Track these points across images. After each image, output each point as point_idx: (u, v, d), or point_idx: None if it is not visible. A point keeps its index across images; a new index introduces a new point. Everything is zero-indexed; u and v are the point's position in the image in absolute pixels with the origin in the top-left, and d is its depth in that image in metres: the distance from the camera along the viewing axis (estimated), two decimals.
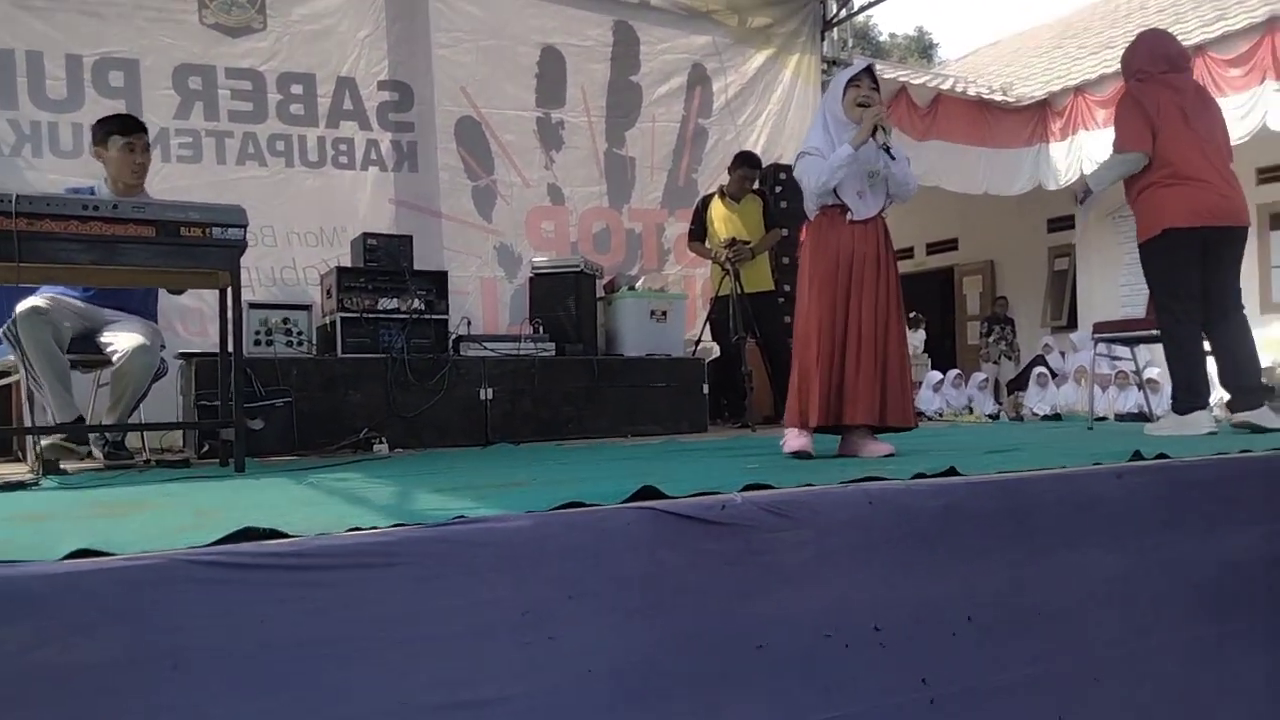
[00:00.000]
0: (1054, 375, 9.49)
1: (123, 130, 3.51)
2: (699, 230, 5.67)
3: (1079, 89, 8.51)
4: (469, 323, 4.83)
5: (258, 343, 4.19)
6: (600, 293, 5.40)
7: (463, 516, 1.59)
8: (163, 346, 3.56)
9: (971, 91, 8.95)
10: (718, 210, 5.58)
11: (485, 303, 5.76)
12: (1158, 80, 3.65)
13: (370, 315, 4.31)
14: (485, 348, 4.58)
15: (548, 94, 5.98)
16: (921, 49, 27.51)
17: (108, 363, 3.41)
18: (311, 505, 2.00)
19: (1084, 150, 8.43)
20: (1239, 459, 2.57)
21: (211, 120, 5.11)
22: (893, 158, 2.93)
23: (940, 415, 8.57)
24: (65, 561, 1.31)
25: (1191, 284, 3.60)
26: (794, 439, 2.97)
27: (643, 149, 6.29)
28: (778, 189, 6.11)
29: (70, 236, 2.74)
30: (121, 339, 3.36)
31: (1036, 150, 8.82)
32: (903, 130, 8.05)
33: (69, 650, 1.24)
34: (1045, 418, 8.60)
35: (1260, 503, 2.49)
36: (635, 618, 1.64)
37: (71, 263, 2.80)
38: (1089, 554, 2.18)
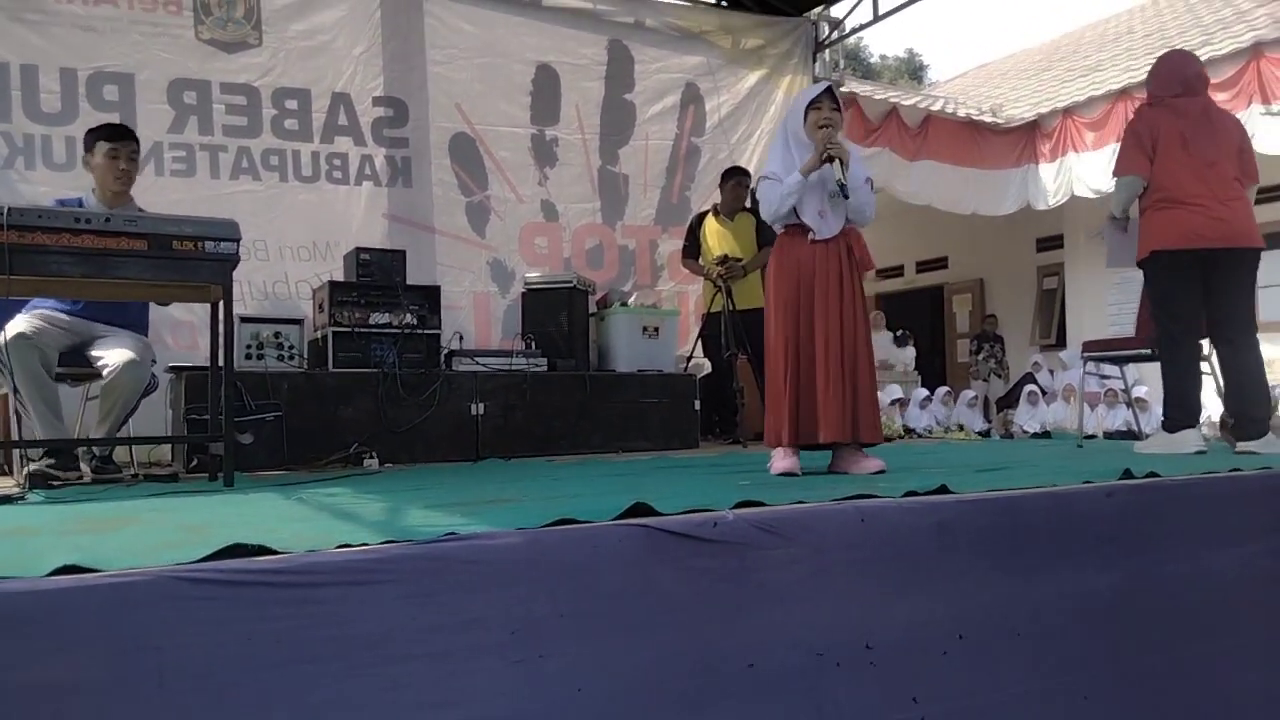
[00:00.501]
0: (1043, 393, 9.52)
1: (108, 137, 3.51)
2: (693, 247, 5.68)
3: (1068, 111, 8.58)
4: (461, 338, 4.82)
5: (249, 356, 4.17)
6: (593, 308, 5.40)
7: (453, 533, 1.57)
8: (153, 361, 3.54)
9: (961, 112, 9.02)
10: (711, 227, 5.60)
11: (478, 318, 5.76)
12: (1166, 104, 3.69)
13: (362, 330, 4.30)
14: (477, 363, 4.56)
15: (542, 111, 6.00)
16: (912, 70, 27.75)
17: (98, 376, 3.38)
18: (301, 521, 1.99)
19: (1073, 171, 8.49)
20: (1229, 478, 2.58)
21: (206, 134, 5.10)
22: (845, 196, 2.95)
23: (930, 432, 8.56)
24: (51, 578, 1.29)
25: (1186, 305, 3.61)
26: (780, 459, 2.96)
27: (636, 166, 6.32)
28: None
29: (62, 249, 2.72)
30: (112, 354, 3.34)
31: (1025, 171, 8.87)
32: (893, 150, 8.09)
33: (54, 666, 1.22)
34: (1035, 435, 8.62)
35: (1250, 521, 2.49)
36: (626, 636, 1.63)
37: (63, 276, 2.78)
38: (1080, 572, 2.17)
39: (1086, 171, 8.38)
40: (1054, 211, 9.14)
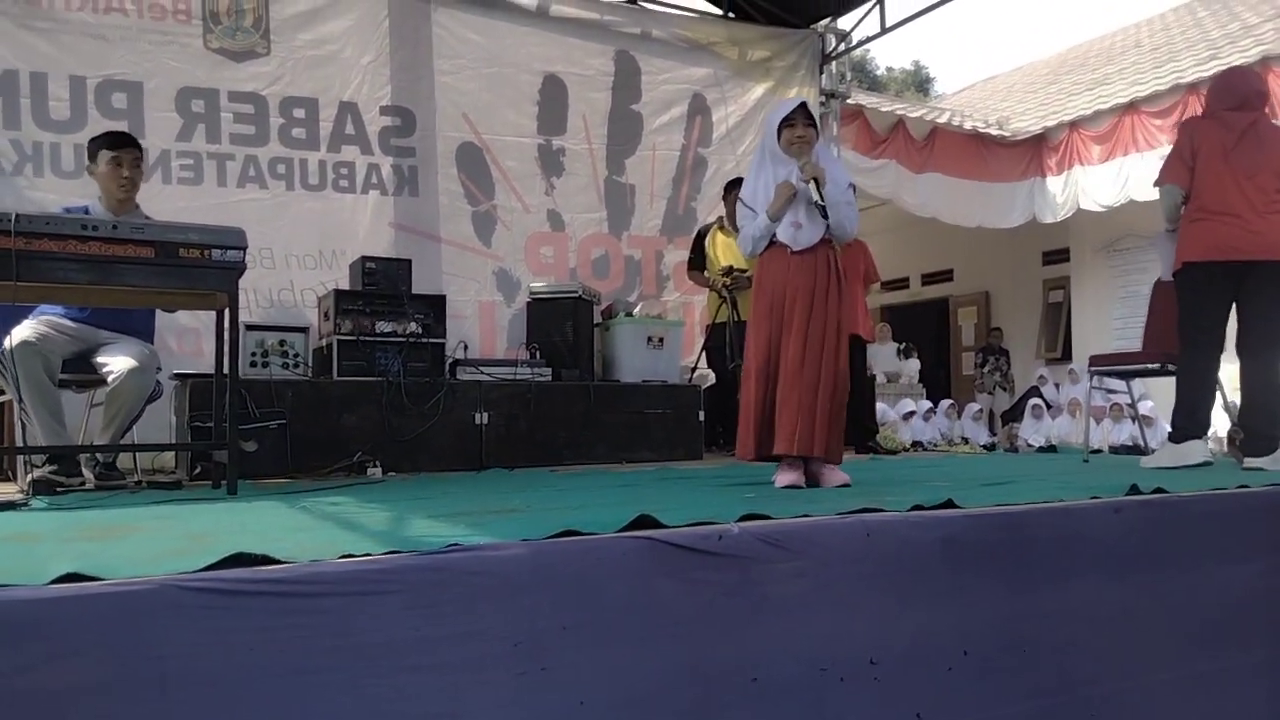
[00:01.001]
0: (1049, 407, 9.50)
1: (110, 145, 3.52)
2: (698, 260, 5.69)
3: (1074, 124, 8.59)
4: (466, 347, 4.82)
5: (254, 364, 4.17)
6: (598, 318, 5.40)
7: (457, 544, 1.57)
8: (159, 368, 3.55)
9: (968, 125, 9.04)
10: (718, 240, 5.61)
11: (483, 327, 5.76)
12: (1216, 117, 3.71)
13: (367, 338, 4.30)
14: (482, 372, 4.56)
15: (549, 121, 6.02)
16: (919, 83, 27.80)
17: (102, 383, 3.39)
18: (304, 530, 1.98)
19: (1079, 185, 8.50)
20: (1237, 494, 2.57)
21: (213, 143, 5.12)
22: (825, 218, 2.97)
23: (935, 445, 8.55)
24: (53, 586, 1.29)
25: (1212, 317, 3.61)
26: (785, 473, 2.98)
27: (643, 177, 6.33)
28: None
29: (69, 256, 2.73)
30: (117, 360, 3.34)
31: (1031, 184, 8.88)
32: (900, 163, 8.11)
33: (56, 675, 1.22)
34: (1040, 449, 8.59)
35: (1258, 537, 2.48)
36: (629, 648, 1.62)
37: (69, 282, 2.79)
38: (1087, 588, 2.16)
39: (1093, 185, 8.38)
40: (1060, 225, 9.14)
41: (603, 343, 5.35)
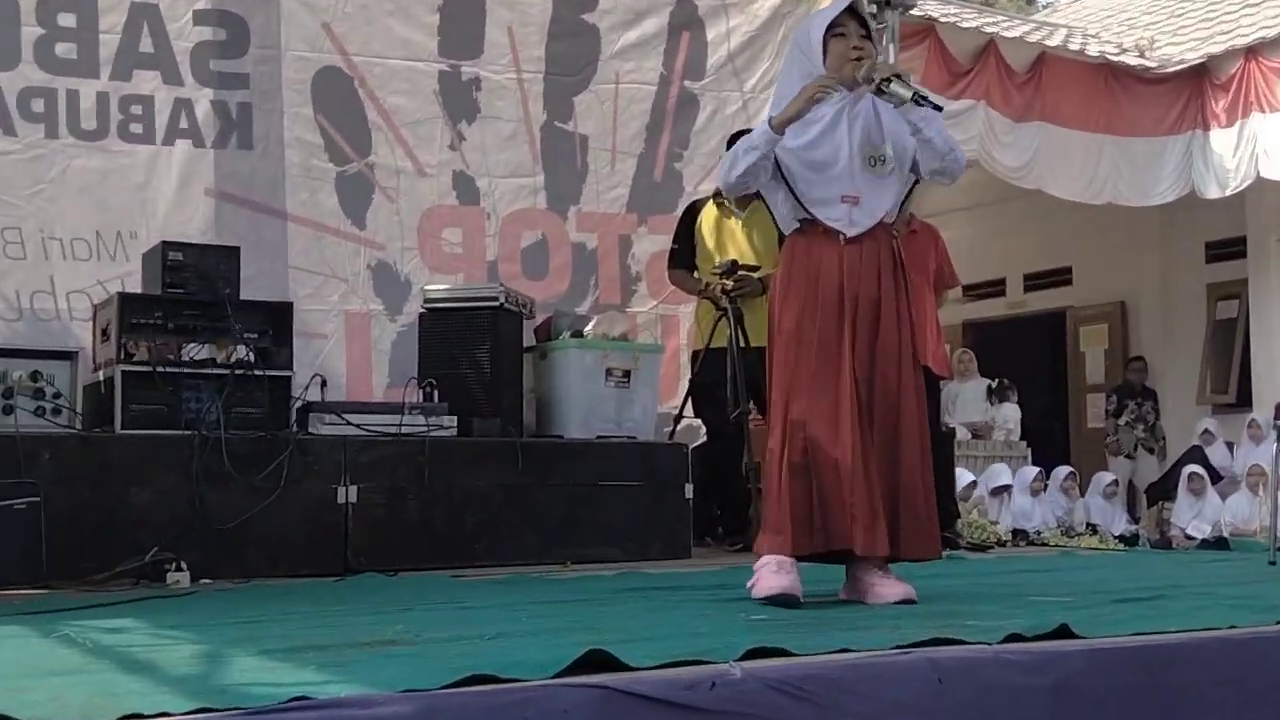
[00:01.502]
0: (1216, 478, 9.61)
1: None
2: (685, 251, 5.71)
3: (1252, 51, 8.76)
4: (324, 383, 4.81)
5: None
6: (530, 340, 5.42)
7: (304, 697, 1.57)
8: None
9: (1093, 50, 9.19)
10: (713, 221, 5.63)
11: (352, 352, 5.76)
12: None
13: (169, 370, 4.27)
14: (348, 422, 4.55)
15: (456, 38, 6.06)
16: None
17: None
18: (64, 674, 1.96)
19: (1259, 142, 8.64)
20: None
21: None
22: (936, 105, 3.03)
23: (1042, 536, 8.59)
24: None
25: None
26: (769, 575, 2.96)
27: (600, 123, 6.38)
28: None
29: None
30: None
31: (1189, 139, 9.03)
32: (990, 106, 8.20)
33: None
34: (1205, 543, 8.68)
35: None
36: None
37: None
38: None
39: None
40: (1232, 201, 9.29)
41: (537, 378, 5.35)
